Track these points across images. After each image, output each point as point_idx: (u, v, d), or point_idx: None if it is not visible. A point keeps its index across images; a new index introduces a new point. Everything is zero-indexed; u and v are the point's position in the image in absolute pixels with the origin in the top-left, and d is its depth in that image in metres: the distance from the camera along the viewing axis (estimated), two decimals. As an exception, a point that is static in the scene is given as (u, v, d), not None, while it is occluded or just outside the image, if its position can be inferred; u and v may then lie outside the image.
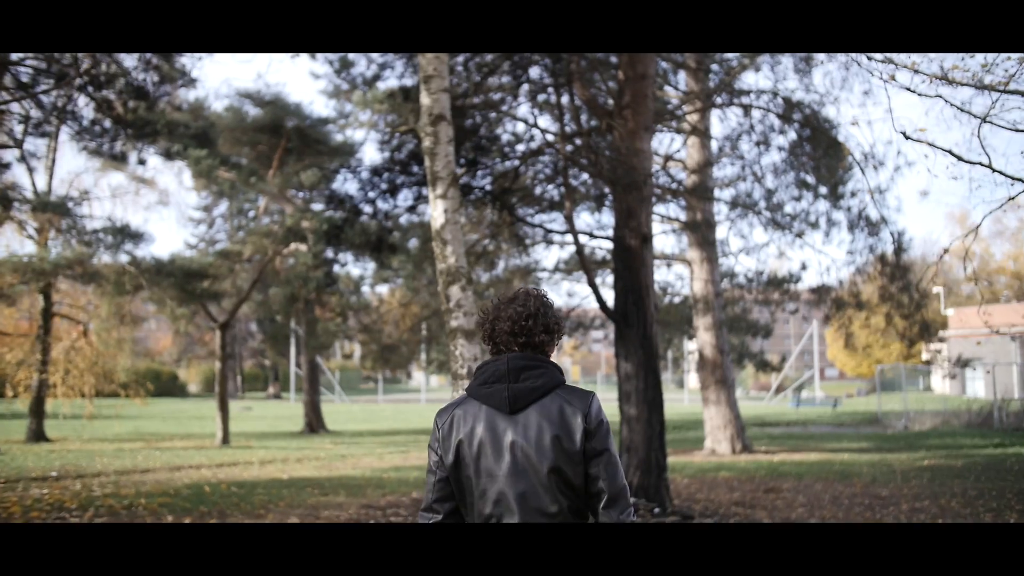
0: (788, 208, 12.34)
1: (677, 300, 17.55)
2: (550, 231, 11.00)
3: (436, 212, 5.50)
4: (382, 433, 22.07)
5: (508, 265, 13.79)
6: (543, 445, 2.11)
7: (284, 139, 20.10)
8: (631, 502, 2.20)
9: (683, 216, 15.09)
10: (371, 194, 9.50)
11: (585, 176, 11.59)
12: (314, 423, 22.07)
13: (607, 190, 10.14)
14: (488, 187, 9.51)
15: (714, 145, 13.64)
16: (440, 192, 5.49)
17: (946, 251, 7.45)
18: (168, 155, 12.38)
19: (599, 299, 9.05)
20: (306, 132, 20.01)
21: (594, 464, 2.14)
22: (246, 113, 20.34)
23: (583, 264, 8.99)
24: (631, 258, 9.11)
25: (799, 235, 11.17)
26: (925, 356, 40.40)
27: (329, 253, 14.64)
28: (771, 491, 10.41)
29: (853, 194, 10.38)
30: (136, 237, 14.48)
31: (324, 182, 16.26)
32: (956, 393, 35.16)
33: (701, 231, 12.75)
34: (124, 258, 14.54)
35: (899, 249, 9.66)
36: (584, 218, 21.80)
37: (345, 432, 22.22)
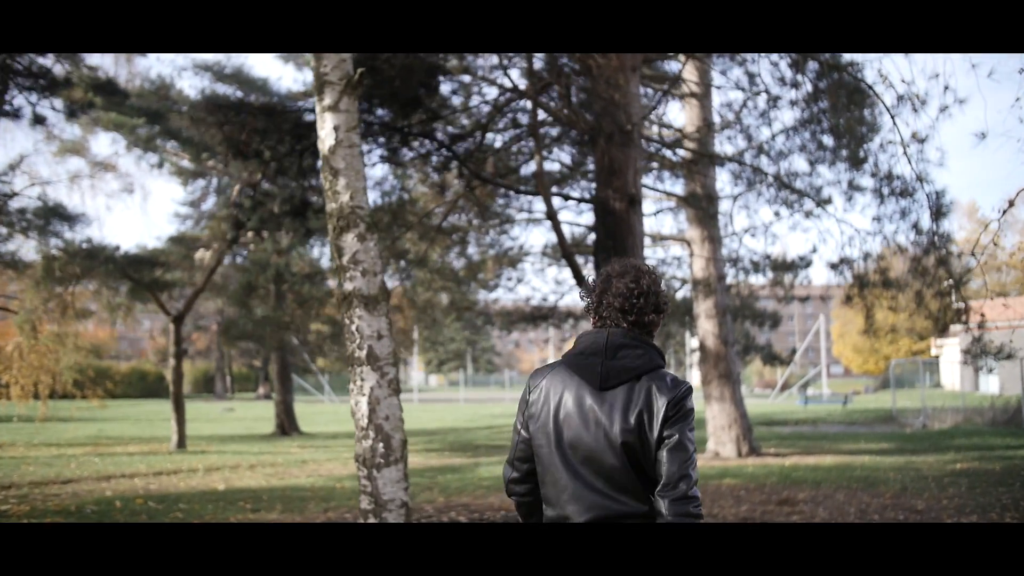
0: (803, 175, 10.73)
1: (675, 286, 15.90)
2: (518, 191, 9.35)
3: (324, 131, 3.93)
4: (359, 435, 20.53)
5: (480, 244, 12.18)
6: (626, 427, 2.06)
7: (250, 116, 18.47)
8: (694, 492, 2.05)
9: (680, 193, 13.48)
10: (298, 147, 7.95)
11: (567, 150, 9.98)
12: (286, 425, 20.51)
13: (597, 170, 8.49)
14: (444, 142, 7.92)
15: (716, 106, 12.05)
16: (329, 102, 3.91)
17: (1011, 204, 5.85)
18: (72, 113, 10.84)
19: (576, 274, 7.46)
20: (273, 108, 18.37)
21: (662, 446, 2.07)
22: (213, 91, 18.77)
23: (556, 229, 7.39)
24: (615, 224, 7.53)
25: (820, 204, 9.53)
26: (934, 351, 38.92)
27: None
28: (785, 503, 8.84)
29: (882, 146, 8.78)
30: (69, 219, 12.91)
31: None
32: (970, 389, 33.70)
33: (701, 204, 11.16)
34: (55, 243, 12.97)
35: (938, 213, 8.03)
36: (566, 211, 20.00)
37: (318, 434, 20.67)
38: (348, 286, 3.94)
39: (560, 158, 11.95)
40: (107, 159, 19.29)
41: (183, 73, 23.58)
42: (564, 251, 7.36)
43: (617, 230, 7.54)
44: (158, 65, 27.63)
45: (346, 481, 11.08)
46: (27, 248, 13.81)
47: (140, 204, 60.08)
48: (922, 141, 7.36)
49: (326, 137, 3.89)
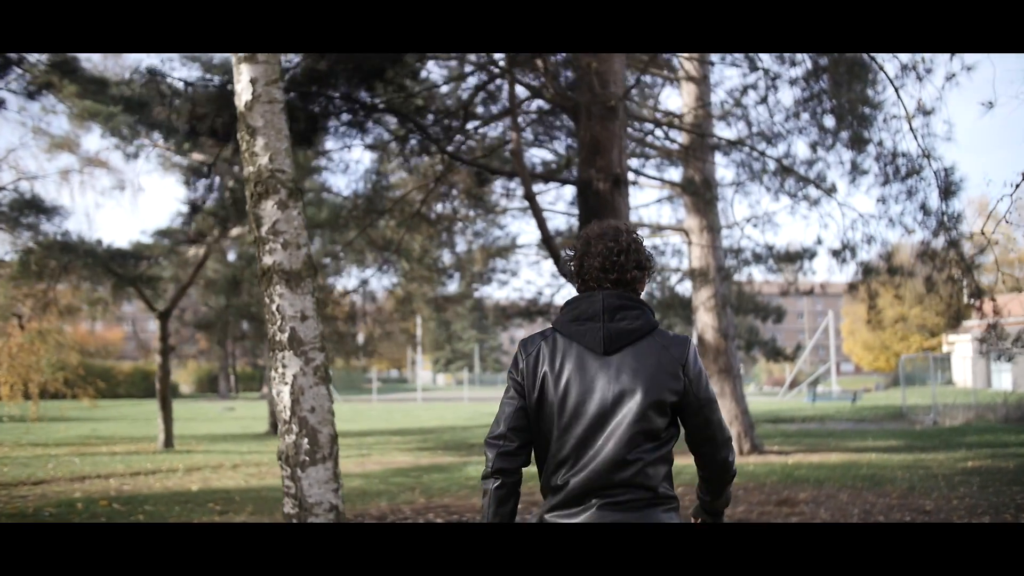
0: (804, 161, 10.22)
1: (675, 279, 15.36)
2: (494, 171, 8.84)
3: (240, 84, 3.46)
4: (352, 434, 20.06)
5: (468, 234, 11.68)
6: (636, 391, 2.02)
7: (198, 94, 18.01)
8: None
9: (677, 181, 12.96)
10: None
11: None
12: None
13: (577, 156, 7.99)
14: (416, 119, 7.45)
15: (712, 85, 11.52)
16: (245, 53, 3.44)
17: (1025, 176, 5.32)
18: (30, 94, 10.43)
19: (557, 260, 6.96)
20: (225, 85, 17.91)
21: (700, 413, 2.10)
22: (208, 82, 18.36)
23: (535, 212, 6.88)
24: (599, 206, 7.03)
25: (821, 188, 8.98)
26: (946, 347, 38.01)
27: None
28: (785, 503, 8.34)
29: (885, 121, 8.23)
30: (46, 212, 12.50)
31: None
32: (982, 385, 33.05)
33: (698, 191, 10.62)
34: (31, 236, 12.56)
35: (947, 191, 7.47)
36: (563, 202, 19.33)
37: (313, 433, 20.25)
38: (267, 260, 3.47)
39: (555, 148, 11.54)
40: (96, 155, 18.93)
41: (171, 65, 23.12)
42: (544, 235, 6.87)
43: (601, 212, 7.04)
44: (148, 59, 27.21)
45: (327, 481, 10.64)
46: (3, 242, 13.46)
47: (131, 200, 59.66)
48: (928, 113, 6.84)
49: (242, 91, 3.43)
